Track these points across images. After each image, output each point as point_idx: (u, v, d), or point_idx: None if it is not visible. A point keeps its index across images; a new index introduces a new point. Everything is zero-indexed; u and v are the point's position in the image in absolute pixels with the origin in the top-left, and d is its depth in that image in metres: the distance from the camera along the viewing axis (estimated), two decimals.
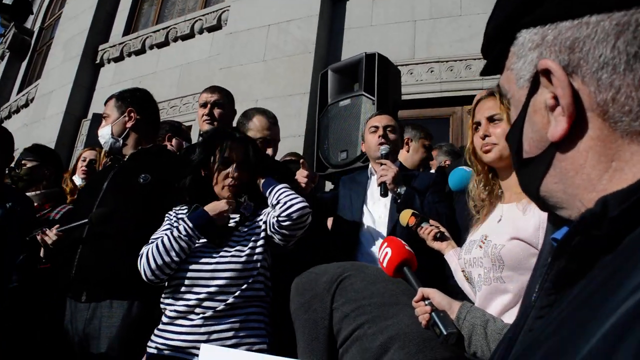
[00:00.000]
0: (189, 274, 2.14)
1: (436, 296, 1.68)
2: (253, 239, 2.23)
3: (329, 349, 1.83)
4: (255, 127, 2.96)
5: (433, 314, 1.63)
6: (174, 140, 3.83)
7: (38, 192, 3.36)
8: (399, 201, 2.62)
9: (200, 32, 7.80)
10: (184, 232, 2.16)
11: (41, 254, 2.75)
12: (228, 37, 6.94)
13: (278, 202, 2.20)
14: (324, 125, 4.25)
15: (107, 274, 2.43)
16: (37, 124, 9.12)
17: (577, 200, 0.59)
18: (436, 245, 2.23)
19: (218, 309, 2.07)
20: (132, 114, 2.79)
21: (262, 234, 2.25)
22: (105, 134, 2.79)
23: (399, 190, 2.61)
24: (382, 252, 1.84)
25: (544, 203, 0.66)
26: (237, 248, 2.19)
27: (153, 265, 2.12)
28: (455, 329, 1.58)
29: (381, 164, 2.72)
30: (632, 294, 0.42)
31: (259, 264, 2.19)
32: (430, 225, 2.27)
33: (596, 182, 0.57)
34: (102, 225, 2.51)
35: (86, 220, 2.51)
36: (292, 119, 5.85)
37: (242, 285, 2.12)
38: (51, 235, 2.60)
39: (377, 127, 3.03)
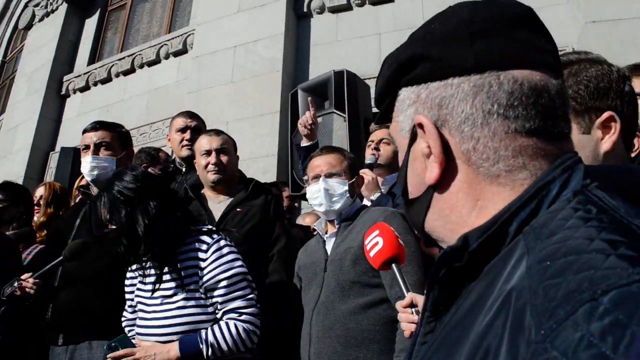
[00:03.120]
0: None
1: None
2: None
3: None
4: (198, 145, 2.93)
5: None
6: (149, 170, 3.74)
7: (8, 233, 3.27)
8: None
9: (167, 57, 7.75)
10: None
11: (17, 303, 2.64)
12: (195, 60, 6.92)
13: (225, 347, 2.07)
14: (297, 145, 4.25)
15: (84, 316, 2.37)
16: (3, 159, 8.91)
17: (455, 234, 0.65)
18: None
19: None
20: (130, 154, 2.76)
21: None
22: (108, 166, 2.68)
23: (372, 197, 2.65)
24: (371, 240, 1.64)
25: (429, 237, 0.74)
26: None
27: None
28: None
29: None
30: (479, 322, 0.51)
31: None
32: None
33: (467, 218, 0.66)
34: (77, 257, 2.44)
35: (60, 257, 2.44)
36: (264, 138, 5.83)
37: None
38: (30, 285, 2.47)
39: (372, 142, 3.14)
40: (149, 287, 2.15)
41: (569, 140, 0.67)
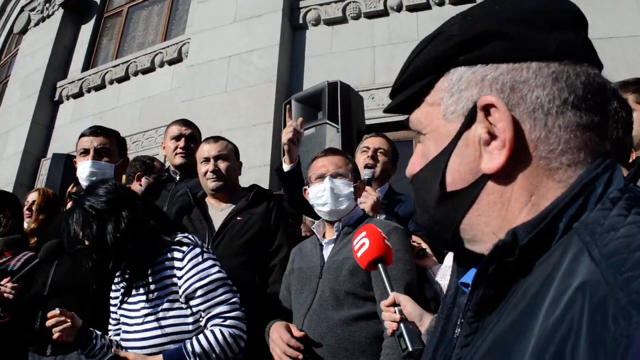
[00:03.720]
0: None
1: (408, 305, 1.61)
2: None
3: None
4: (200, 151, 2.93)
5: (402, 324, 1.52)
6: (143, 180, 3.71)
7: None
8: None
9: (161, 65, 7.76)
10: None
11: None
12: (189, 69, 6.92)
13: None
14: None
15: None
16: None
17: (501, 232, 0.62)
18: (418, 262, 2.24)
19: None
20: (126, 162, 2.75)
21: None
22: (107, 172, 2.66)
23: (378, 217, 2.59)
24: (359, 241, 1.70)
25: (457, 238, 0.69)
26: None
27: None
28: (421, 345, 1.48)
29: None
30: (545, 318, 0.50)
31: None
32: (413, 242, 2.27)
33: (517, 214, 0.63)
34: (54, 257, 2.44)
35: (37, 260, 2.43)
36: (257, 149, 5.83)
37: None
38: (8, 289, 2.47)
39: (368, 148, 3.06)
40: (127, 298, 2.13)
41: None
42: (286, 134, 2.78)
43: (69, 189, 3.71)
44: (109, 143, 2.74)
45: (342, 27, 6.56)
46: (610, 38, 5.05)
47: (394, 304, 1.60)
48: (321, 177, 2.32)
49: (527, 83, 0.62)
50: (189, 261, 2.09)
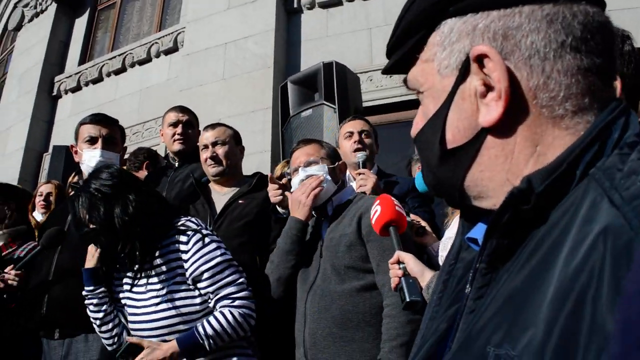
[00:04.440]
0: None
1: (410, 262, 1.70)
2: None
3: None
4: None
5: (402, 278, 1.64)
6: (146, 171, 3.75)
7: (1, 232, 3.28)
8: None
9: (157, 55, 7.74)
10: None
11: (4, 296, 2.66)
12: (185, 58, 6.91)
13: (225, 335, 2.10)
14: (288, 138, 4.26)
15: (79, 310, 2.38)
16: None
17: (507, 186, 0.60)
18: (417, 239, 2.27)
19: None
20: (124, 152, 2.76)
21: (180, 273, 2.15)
22: (114, 162, 2.63)
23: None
24: (374, 209, 1.85)
25: (463, 195, 0.67)
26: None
27: None
28: (419, 297, 1.59)
29: (359, 174, 2.72)
30: (564, 265, 0.48)
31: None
32: (411, 220, 2.29)
33: (523, 166, 0.60)
34: (55, 244, 2.48)
35: (38, 247, 2.46)
36: (257, 135, 5.83)
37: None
38: (12, 276, 2.50)
39: (351, 133, 3.04)
40: (134, 282, 2.16)
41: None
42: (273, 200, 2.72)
43: (70, 179, 3.75)
44: (114, 131, 2.76)
45: (337, 10, 6.52)
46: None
47: (399, 262, 1.70)
48: (296, 170, 2.41)
49: (521, 28, 0.59)
50: (194, 244, 2.12)
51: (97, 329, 2.23)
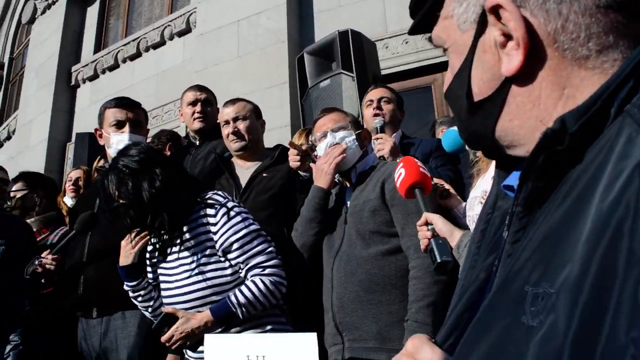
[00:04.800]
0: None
1: (439, 222, 1.69)
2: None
3: None
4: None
5: (432, 240, 1.62)
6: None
7: (33, 219, 3.35)
8: None
9: (171, 38, 7.74)
10: None
11: (42, 280, 2.73)
12: (199, 38, 6.89)
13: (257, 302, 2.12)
14: (308, 110, 4.24)
15: (114, 288, 2.43)
16: (22, 154, 9.04)
17: (538, 131, 0.59)
18: (442, 202, 2.25)
19: None
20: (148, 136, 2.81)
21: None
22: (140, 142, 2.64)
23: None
24: (397, 172, 1.84)
25: (497, 145, 0.68)
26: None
27: None
28: (450, 257, 1.58)
29: (377, 139, 2.72)
30: (600, 201, 0.48)
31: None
32: (435, 184, 2.28)
33: (552, 110, 0.60)
34: (88, 228, 2.53)
35: (73, 231, 2.51)
36: (275, 110, 5.82)
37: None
38: (49, 261, 2.55)
39: (372, 101, 3.10)
40: (165, 256, 2.19)
41: None
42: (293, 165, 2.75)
43: (95, 163, 3.79)
44: (139, 115, 2.79)
45: None
46: None
47: (427, 223, 1.68)
48: (324, 135, 2.40)
49: None
50: (222, 216, 2.14)
51: (147, 314, 2.30)
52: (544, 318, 0.47)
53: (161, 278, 2.23)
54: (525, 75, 0.61)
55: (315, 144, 2.47)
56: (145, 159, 2.15)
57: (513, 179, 0.71)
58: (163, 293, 2.22)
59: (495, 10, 0.61)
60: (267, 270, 2.12)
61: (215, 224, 2.14)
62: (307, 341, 1.68)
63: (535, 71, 0.60)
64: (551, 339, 0.46)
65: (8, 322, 2.70)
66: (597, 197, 0.48)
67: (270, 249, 2.17)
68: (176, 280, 2.16)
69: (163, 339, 2.08)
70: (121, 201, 2.11)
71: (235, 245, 2.10)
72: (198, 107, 3.33)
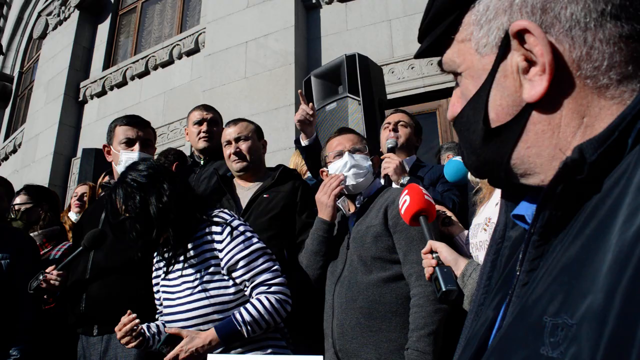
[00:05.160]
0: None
1: (444, 251, 1.69)
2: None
3: None
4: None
5: (437, 268, 1.63)
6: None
7: (36, 232, 3.35)
8: None
9: (180, 57, 7.83)
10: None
11: (44, 296, 2.72)
12: (207, 58, 6.97)
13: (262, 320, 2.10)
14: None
15: (117, 306, 2.42)
16: (27, 168, 9.09)
17: (556, 160, 0.60)
18: (444, 229, 2.26)
19: None
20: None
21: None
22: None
23: (401, 181, 2.63)
24: (402, 198, 1.85)
25: (508, 174, 0.67)
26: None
27: None
28: (455, 286, 1.58)
29: (384, 158, 2.76)
30: (622, 232, 0.46)
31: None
32: (437, 211, 2.29)
33: (571, 139, 0.59)
34: (96, 245, 2.52)
35: (80, 248, 2.51)
36: (281, 132, 5.86)
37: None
38: (54, 277, 2.55)
39: (389, 124, 3.16)
40: (169, 270, 2.19)
41: None
42: (296, 116, 2.93)
43: (100, 179, 3.82)
44: (149, 134, 2.82)
45: (355, 3, 6.51)
46: None
47: (431, 252, 1.69)
48: (340, 154, 2.40)
49: (559, 0, 0.58)
50: (228, 234, 2.14)
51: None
52: (565, 349, 0.47)
53: (163, 295, 2.23)
54: (547, 102, 0.60)
55: (326, 164, 2.48)
56: (154, 174, 2.17)
57: (523, 208, 0.71)
58: (165, 310, 2.21)
59: (520, 34, 0.60)
60: (273, 288, 2.11)
61: (221, 242, 2.14)
62: None
63: (557, 98, 0.60)
64: None
65: (10, 335, 2.68)
66: (618, 228, 0.48)
67: (275, 267, 2.17)
68: (178, 298, 2.15)
69: (166, 358, 2.07)
70: (128, 215, 2.12)
71: (241, 263, 2.10)
72: (204, 127, 3.36)
